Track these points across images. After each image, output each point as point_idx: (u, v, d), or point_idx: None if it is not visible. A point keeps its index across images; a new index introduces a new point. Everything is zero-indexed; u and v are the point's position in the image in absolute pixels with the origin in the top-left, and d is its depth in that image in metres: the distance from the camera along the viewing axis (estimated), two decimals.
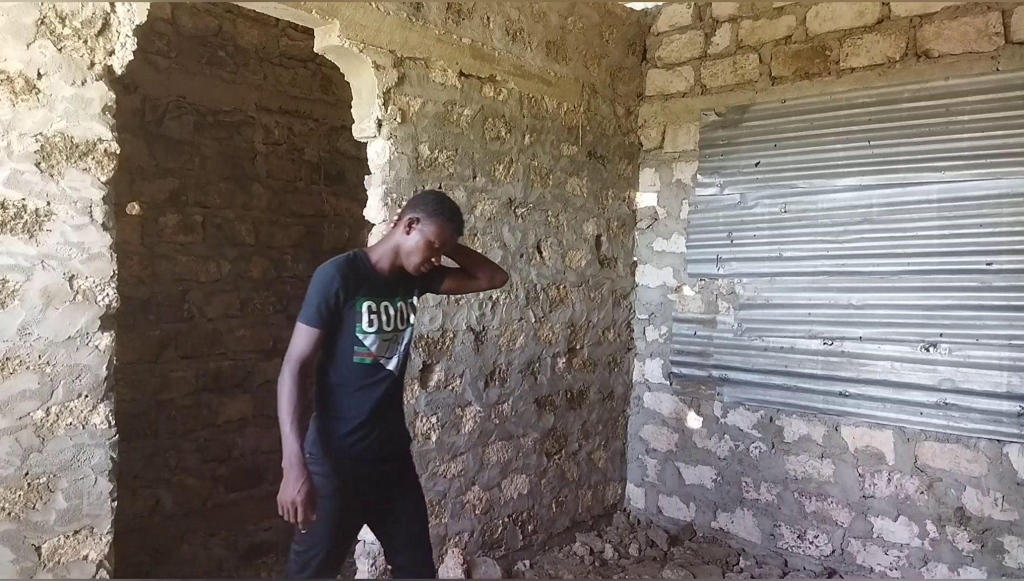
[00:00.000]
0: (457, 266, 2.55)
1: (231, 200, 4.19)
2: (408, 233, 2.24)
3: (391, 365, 2.29)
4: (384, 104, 2.97)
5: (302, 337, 2.12)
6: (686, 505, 4.28)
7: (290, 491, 2.02)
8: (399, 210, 2.42)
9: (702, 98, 4.21)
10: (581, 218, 4.06)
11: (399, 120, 3.02)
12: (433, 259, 2.28)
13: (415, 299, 2.41)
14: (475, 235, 3.40)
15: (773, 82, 3.93)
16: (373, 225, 3.03)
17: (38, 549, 2.09)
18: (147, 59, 3.71)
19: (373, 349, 2.21)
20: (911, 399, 3.50)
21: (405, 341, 2.35)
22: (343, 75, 3.05)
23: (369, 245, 2.56)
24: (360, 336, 2.19)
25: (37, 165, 2.05)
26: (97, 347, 2.18)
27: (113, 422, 2.22)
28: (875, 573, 3.62)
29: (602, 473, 4.34)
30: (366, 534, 3.01)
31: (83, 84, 2.12)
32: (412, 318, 2.39)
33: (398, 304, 2.30)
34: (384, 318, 2.24)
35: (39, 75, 2.05)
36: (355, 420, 2.20)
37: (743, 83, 4.05)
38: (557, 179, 3.88)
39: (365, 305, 2.19)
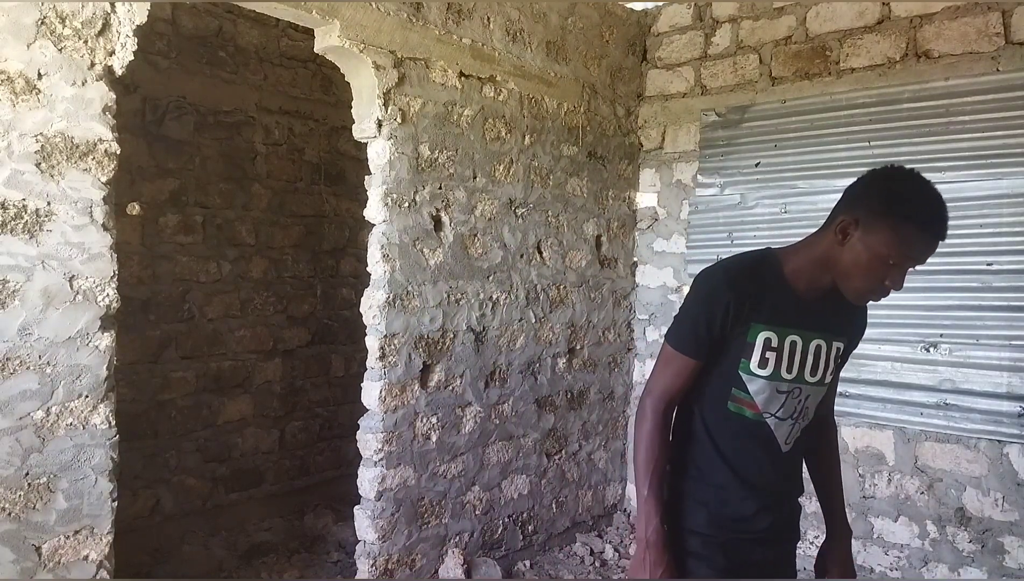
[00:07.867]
0: None
1: (231, 200, 4.19)
2: (842, 241, 1.51)
3: (781, 430, 1.58)
4: (384, 104, 2.97)
5: (671, 366, 1.57)
6: None
7: (645, 577, 1.52)
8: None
9: (702, 98, 4.21)
10: (581, 218, 4.06)
11: (399, 120, 3.02)
12: (888, 283, 1.49)
13: (850, 343, 1.64)
14: (475, 235, 3.41)
15: (773, 82, 3.93)
16: (373, 225, 3.04)
17: (38, 549, 2.09)
18: (147, 59, 3.71)
19: (758, 399, 1.55)
20: (911, 399, 3.50)
21: (811, 401, 1.60)
22: (343, 75, 3.05)
23: (787, 244, 1.75)
24: (744, 377, 1.55)
25: (37, 165, 2.05)
26: (97, 347, 2.18)
27: (113, 422, 2.22)
28: (875, 573, 3.62)
29: (602, 473, 4.33)
30: (366, 534, 3.01)
31: (83, 84, 2.12)
32: (831, 371, 1.61)
33: (813, 344, 1.57)
34: (787, 360, 1.55)
35: (39, 75, 2.05)
36: (723, 489, 1.59)
37: (743, 83, 4.05)
38: (557, 179, 3.88)
39: (762, 336, 1.53)
